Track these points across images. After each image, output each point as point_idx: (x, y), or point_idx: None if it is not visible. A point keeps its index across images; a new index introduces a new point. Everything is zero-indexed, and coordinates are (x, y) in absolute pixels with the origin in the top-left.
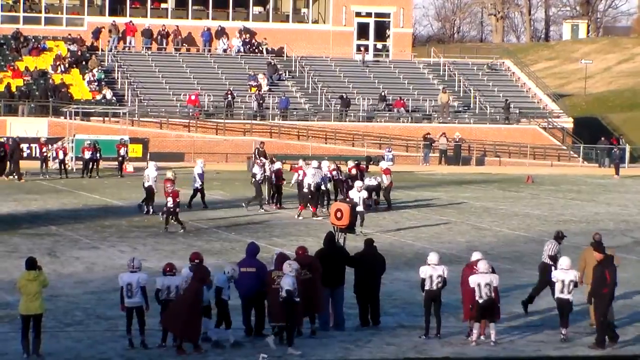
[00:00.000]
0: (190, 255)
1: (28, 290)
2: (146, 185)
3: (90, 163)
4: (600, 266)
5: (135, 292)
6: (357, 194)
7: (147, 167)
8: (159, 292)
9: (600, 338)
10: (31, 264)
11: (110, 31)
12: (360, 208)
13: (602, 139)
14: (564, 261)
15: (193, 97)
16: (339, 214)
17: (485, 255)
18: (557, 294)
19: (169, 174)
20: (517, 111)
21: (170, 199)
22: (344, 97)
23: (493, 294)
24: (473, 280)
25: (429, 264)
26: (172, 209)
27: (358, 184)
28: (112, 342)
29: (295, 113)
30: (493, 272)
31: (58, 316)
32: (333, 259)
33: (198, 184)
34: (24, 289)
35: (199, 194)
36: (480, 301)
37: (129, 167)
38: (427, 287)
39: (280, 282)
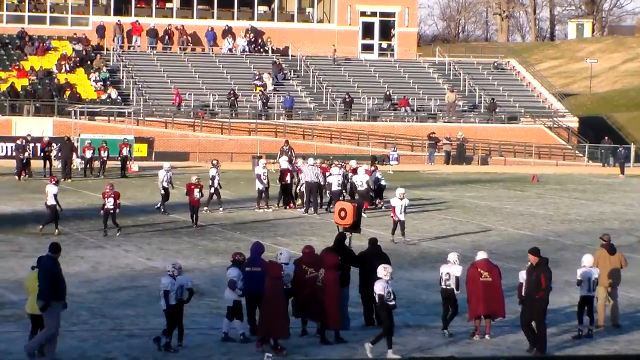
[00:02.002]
0: (233, 255)
1: (34, 289)
2: (159, 186)
3: (93, 162)
4: (535, 270)
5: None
6: (399, 201)
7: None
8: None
9: (541, 343)
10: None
11: (114, 30)
12: (402, 217)
13: (606, 138)
14: (586, 259)
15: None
16: (342, 214)
17: (490, 254)
18: (584, 292)
19: (193, 179)
20: (522, 110)
21: (111, 200)
22: (348, 96)
23: None
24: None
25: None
26: (111, 210)
27: (400, 190)
28: (118, 341)
29: (300, 112)
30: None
31: (63, 316)
32: (341, 258)
33: (260, 186)
34: (31, 287)
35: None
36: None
37: (134, 166)
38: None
39: (374, 287)
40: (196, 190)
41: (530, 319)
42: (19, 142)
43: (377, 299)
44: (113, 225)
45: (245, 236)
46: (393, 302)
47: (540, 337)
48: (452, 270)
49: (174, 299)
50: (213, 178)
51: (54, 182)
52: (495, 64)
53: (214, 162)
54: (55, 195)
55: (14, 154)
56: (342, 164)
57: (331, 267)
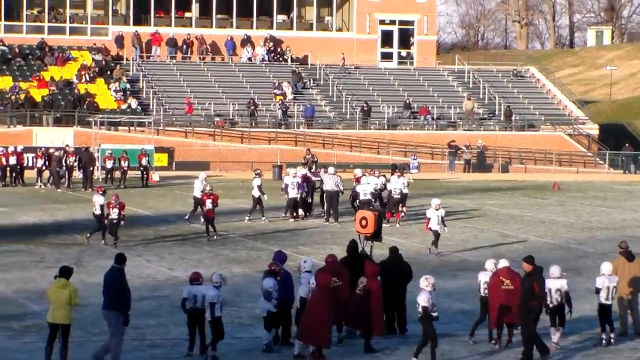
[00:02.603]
0: (269, 265)
1: (56, 298)
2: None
3: (114, 172)
4: (529, 278)
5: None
6: (435, 212)
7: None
8: (185, 301)
9: (527, 354)
10: (64, 272)
11: (132, 40)
12: (436, 227)
13: (627, 145)
14: (606, 267)
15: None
16: (363, 222)
17: (511, 262)
18: (602, 301)
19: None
20: (542, 118)
21: (115, 210)
22: (366, 105)
23: (563, 299)
24: (546, 286)
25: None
26: (114, 220)
27: (436, 201)
28: (140, 351)
29: (320, 121)
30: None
31: (85, 325)
32: (357, 266)
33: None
34: (52, 296)
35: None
36: (551, 306)
37: (155, 176)
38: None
39: (417, 298)
40: (208, 201)
41: (533, 327)
42: (57, 153)
43: (420, 310)
44: (111, 237)
45: (266, 245)
46: (436, 314)
47: (536, 342)
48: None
49: (219, 310)
50: (260, 187)
51: (101, 192)
52: (515, 72)
53: (258, 171)
54: (102, 206)
55: (43, 163)
56: (379, 172)
57: (373, 276)
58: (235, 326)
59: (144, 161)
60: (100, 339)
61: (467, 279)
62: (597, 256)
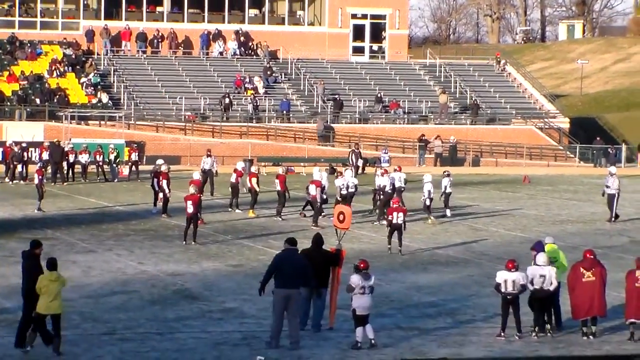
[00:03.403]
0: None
1: (49, 291)
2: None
3: (89, 166)
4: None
5: None
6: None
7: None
8: None
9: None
10: (52, 265)
11: (101, 34)
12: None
13: (598, 138)
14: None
15: (177, 99)
16: (341, 217)
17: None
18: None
19: (191, 189)
20: (513, 112)
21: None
22: (337, 98)
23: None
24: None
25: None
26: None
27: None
28: (110, 345)
29: (291, 115)
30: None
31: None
32: (320, 259)
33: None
34: (45, 289)
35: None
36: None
37: (125, 170)
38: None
39: None
40: (189, 203)
41: None
42: (16, 149)
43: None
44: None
45: (237, 240)
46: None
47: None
48: (549, 271)
49: None
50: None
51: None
52: (500, 61)
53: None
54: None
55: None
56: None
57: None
58: (206, 320)
59: (112, 156)
60: (71, 333)
61: (437, 272)
62: (568, 250)
